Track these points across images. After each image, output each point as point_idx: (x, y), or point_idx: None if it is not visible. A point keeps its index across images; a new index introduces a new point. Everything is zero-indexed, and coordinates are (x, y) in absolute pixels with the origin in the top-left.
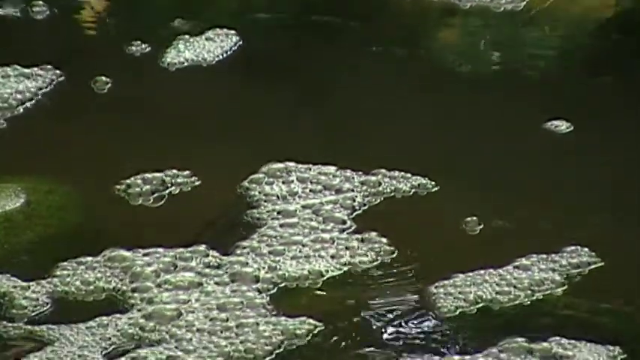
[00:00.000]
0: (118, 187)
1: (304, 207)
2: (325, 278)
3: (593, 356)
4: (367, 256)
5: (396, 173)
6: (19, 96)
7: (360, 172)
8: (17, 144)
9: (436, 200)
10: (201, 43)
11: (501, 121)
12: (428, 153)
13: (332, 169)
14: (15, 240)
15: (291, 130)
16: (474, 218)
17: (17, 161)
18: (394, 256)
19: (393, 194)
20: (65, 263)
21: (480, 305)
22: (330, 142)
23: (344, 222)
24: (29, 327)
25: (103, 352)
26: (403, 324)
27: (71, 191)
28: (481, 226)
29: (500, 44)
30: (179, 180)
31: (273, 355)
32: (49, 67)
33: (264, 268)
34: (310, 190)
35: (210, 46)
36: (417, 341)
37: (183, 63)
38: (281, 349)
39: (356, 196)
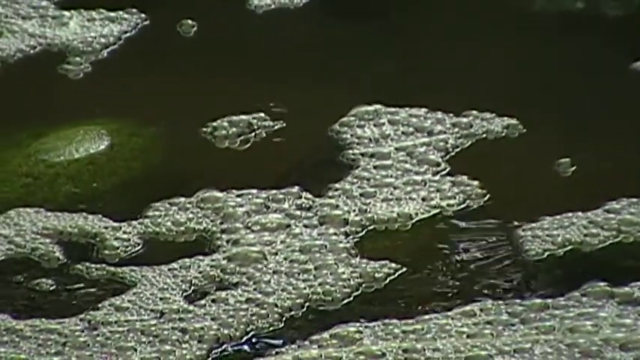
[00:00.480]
0: (204, 129)
1: (397, 149)
2: (414, 221)
3: None
4: (456, 198)
5: (487, 115)
6: (103, 40)
7: (451, 114)
8: (101, 88)
9: (527, 141)
10: None
11: (589, 61)
12: (517, 94)
13: (422, 111)
14: (101, 182)
15: (379, 73)
16: (567, 160)
17: (101, 105)
18: (485, 199)
19: (484, 136)
20: (158, 204)
21: (568, 248)
22: (419, 83)
23: (438, 164)
24: (113, 269)
25: (184, 294)
26: (487, 267)
27: (155, 134)
28: (574, 168)
29: None
30: (265, 123)
31: (351, 298)
32: (134, 10)
33: (354, 210)
34: (402, 133)
35: None
36: (501, 284)
37: (270, 5)
38: (358, 292)
39: (448, 138)
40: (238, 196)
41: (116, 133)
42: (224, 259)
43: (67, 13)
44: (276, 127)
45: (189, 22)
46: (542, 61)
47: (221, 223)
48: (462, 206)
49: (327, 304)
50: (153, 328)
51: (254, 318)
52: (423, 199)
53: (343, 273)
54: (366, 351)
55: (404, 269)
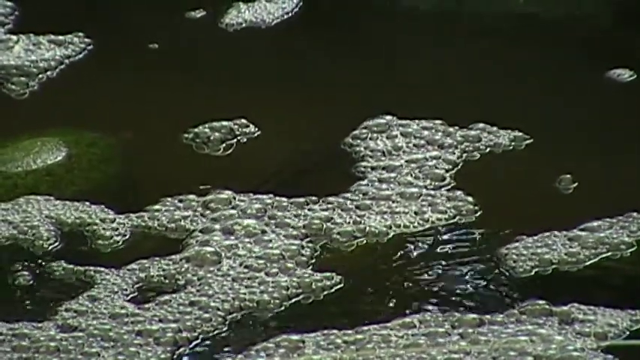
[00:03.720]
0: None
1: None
2: (390, 236)
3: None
4: (447, 213)
5: (494, 128)
6: (52, 62)
7: (457, 127)
8: (56, 102)
9: (532, 155)
10: (261, 5)
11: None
12: (523, 107)
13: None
14: (59, 192)
15: (354, 84)
16: (568, 176)
17: (61, 116)
18: (476, 215)
19: (489, 150)
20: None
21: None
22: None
23: (442, 178)
24: (73, 268)
25: (135, 296)
26: (446, 281)
27: (113, 145)
28: (575, 185)
29: None
30: (234, 134)
31: (288, 307)
32: (80, 34)
33: (332, 220)
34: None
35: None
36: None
37: (242, 24)
38: (297, 302)
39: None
40: (211, 202)
41: (74, 144)
42: (181, 259)
43: (13, 37)
44: (248, 139)
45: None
46: (542, 71)
47: (189, 228)
48: (451, 222)
49: (265, 312)
50: (111, 333)
51: (198, 322)
52: (416, 213)
53: (285, 281)
54: None
55: (350, 282)
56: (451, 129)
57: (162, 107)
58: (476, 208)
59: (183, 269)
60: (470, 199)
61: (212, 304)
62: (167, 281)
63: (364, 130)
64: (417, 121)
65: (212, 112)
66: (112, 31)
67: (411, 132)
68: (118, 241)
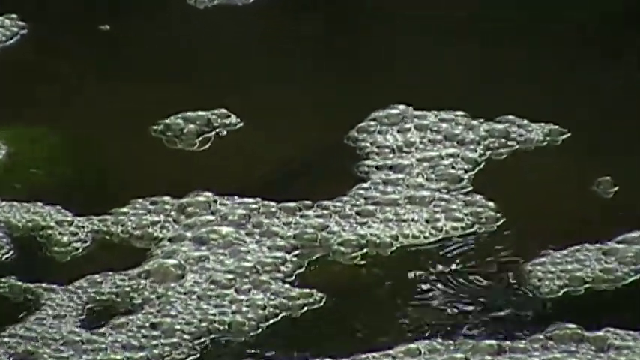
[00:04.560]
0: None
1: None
2: (394, 248)
3: None
4: (463, 221)
5: (525, 121)
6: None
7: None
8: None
9: (566, 154)
10: None
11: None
12: (558, 98)
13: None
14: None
15: (362, 80)
16: (608, 178)
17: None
18: (497, 224)
19: (518, 147)
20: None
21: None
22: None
23: (459, 180)
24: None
25: (84, 318)
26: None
27: (60, 141)
28: (616, 189)
29: None
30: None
31: (264, 328)
32: (14, 15)
33: (327, 230)
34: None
35: None
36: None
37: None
38: (274, 322)
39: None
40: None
41: (13, 141)
42: (139, 273)
43: None
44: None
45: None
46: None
47: (157, 236)
48: (468, 231)
49: (236, 334)
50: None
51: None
52: (427, 221)
53: (262, 299)
54: None
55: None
56: (474, 122)
57: (124, 97)
58: (497, 215)
59: (140, 286)
60: (491, 204)
61: (176, 326)
62: (120, 300)
63: (372, 123)
64: (434, 112)
65: (185, 100)
66: (51, 12)
67: (427, 125)
68: (78, 248)
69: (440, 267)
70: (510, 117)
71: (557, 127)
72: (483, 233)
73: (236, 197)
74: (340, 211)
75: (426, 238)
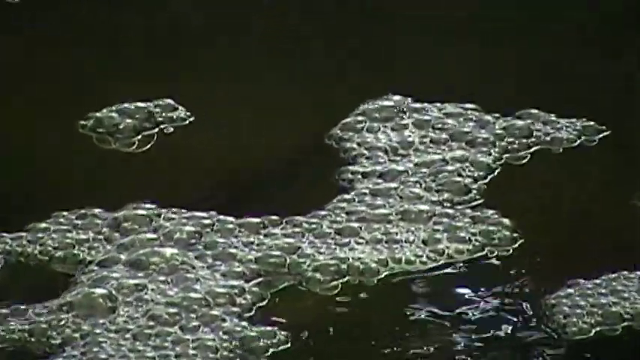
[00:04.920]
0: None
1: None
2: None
3: None
4: (471, 243)
5: (552, 116)
6: None
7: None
8: None
9: (600, 156)
10: None
11: None
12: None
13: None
14: None
15: (349, 64)
16: None
17: None
18: (514, 246)
19: (542, 148)
20: None
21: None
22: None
23: (467, 192)
24: None
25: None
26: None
27: None
28: None
29: None
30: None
31: None
32: None
33: (322, 253)
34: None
35: None
36: None
37: None
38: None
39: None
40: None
41: None
42: (61, 306)
43: None
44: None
45: None
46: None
47: (84, 258)
48: (477, 256)
49: None
50: None
51: None
52: (425, 243)
53: (213, 340)
54: None
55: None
56: (488, 117)
57: (45, 85)
58: (514, 235)
59: (61, 322)
60: (506, 222)
61: None
62: (34, 340)
63: (360, 118)
64: (438, 104)
65: (121, 89)
66: None
67: (430, 121)
68: None
69: (439, 301)
70: (533, 111)
71: (592, 123)
72: (496, 258)
73: (184, 210)
74: (315, 229)
75: (423, 263)
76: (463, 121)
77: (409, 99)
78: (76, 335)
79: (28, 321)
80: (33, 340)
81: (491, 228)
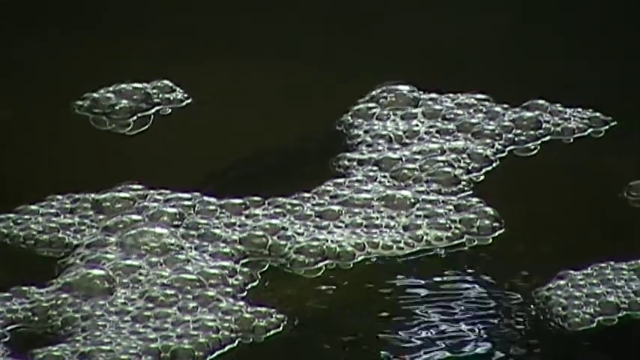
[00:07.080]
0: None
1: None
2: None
3: None
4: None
5: (558, 106)
6: None
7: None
8: None
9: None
10: None
11: None
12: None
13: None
14: None
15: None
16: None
17: None
18: (494, 235)
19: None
20: None
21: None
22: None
23: (456, 182)
24: None
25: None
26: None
27: None
28: None
29: None
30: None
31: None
32: None
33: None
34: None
35: None
36: None
37: None
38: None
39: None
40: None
41: None
42: (58, 289)
43: None
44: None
45: None
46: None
47: (69, 242)
48: (456, 242)
49: None
50: None
51: None
52: (405, 228)
53: (213, 321)
54: None
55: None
56: (498, 108)
57: (40, 63)
58: (494, 224)
59: (59, 302)
60: (489, 210)
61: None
62: (37, 319)
63: (371, 104)
64: (451, 95)
65: (118, 70)
66: None
67: (440, 111)
68: None
69: (415, 288)
70: (540, 102)
71: (598, 114)
72: (476, 247)
73: (166, 191)
74: (297, 211)
75: (400, 249)
76: (473, 112)
77: (421, 92)
78: (77, 316)
79: (31, 300)
80: (36, 319)
81: (471, 216)
